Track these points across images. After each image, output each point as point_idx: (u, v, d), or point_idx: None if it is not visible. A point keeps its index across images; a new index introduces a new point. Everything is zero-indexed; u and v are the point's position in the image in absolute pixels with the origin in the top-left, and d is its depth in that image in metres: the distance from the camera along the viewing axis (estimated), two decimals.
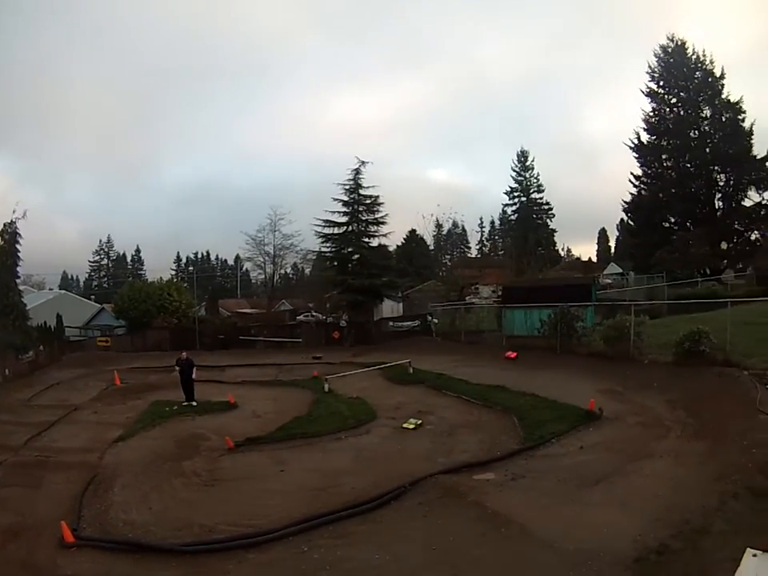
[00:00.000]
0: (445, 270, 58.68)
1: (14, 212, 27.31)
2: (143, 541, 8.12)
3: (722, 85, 46.41)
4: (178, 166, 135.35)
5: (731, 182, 46.59)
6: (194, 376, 18.09)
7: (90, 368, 27.14)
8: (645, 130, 50.36)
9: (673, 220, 49.10)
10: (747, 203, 46.42)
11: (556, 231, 73.92)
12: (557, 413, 13.93)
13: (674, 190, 47.36)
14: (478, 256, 79.13)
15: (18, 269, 28.51)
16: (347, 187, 36.20)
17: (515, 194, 73.38)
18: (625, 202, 51.64)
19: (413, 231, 66.37)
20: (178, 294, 38.76)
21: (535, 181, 72.96)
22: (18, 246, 27.65)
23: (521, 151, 73.18)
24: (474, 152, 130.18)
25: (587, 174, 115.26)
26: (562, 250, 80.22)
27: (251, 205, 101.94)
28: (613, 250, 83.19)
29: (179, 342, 31.11)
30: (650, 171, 50.54)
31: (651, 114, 49.97)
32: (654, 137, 49.95)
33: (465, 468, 10.68)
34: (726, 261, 45.10)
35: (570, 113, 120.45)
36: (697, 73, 47.41)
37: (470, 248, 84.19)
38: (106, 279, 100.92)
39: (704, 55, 47.22)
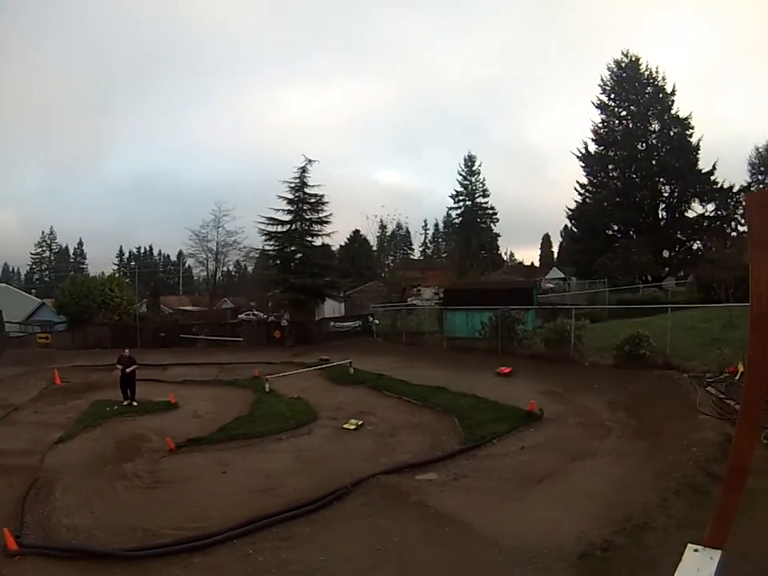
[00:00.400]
0: (387, 271, 58.69)
1: None
2: (88, 547, 7.92)
3: (672, 101, 48.84)
4: (124, 158, 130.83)
5: (675, 194, 49.16)
6: (127, 370, 17.63)
7: (31, 366, 25.93)
8: (593, 140, 52.42)
9: (616, 228, 51.26)
10: (690, 214, 49.12)
11: (500, 235, 76.26)
12: (497, 413, 14.16)
13: (618, 199, 49.51)
14: (421, 258, 80.00)
15: None
16: (293, 185, 36.09)
17: (460, 197, 75.12)
18: (569, 209, 53.58)
19: (357, 231, 66.75)
20: (120, 290, 37.96)
21: (481, 185, 75.08)
22: None
23: (468, 156, 75.27)
24: (422, 155, 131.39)
25: (533, 181, 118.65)
26: (505, 254, 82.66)
27: (197, 200, 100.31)
28: (556, 256, 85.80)
29: (120, 339, 30.54)
30: (595, 180, 52.58)
31: (600, 125, 52.02)
32: (602, 147, 52.02)
33: (407, 468, 10.72)
34: (667, 268, 47.60)
35: (519, 121, 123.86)
36: (648, 88, 49.67)
37: (413, 250, 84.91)
38: (47, 272, 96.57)
39: (656, 72, 49.57)
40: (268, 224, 36.03)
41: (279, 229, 36.21)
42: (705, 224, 47.53)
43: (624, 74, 50.08)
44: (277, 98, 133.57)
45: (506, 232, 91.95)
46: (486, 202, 74.93)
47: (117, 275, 45.91)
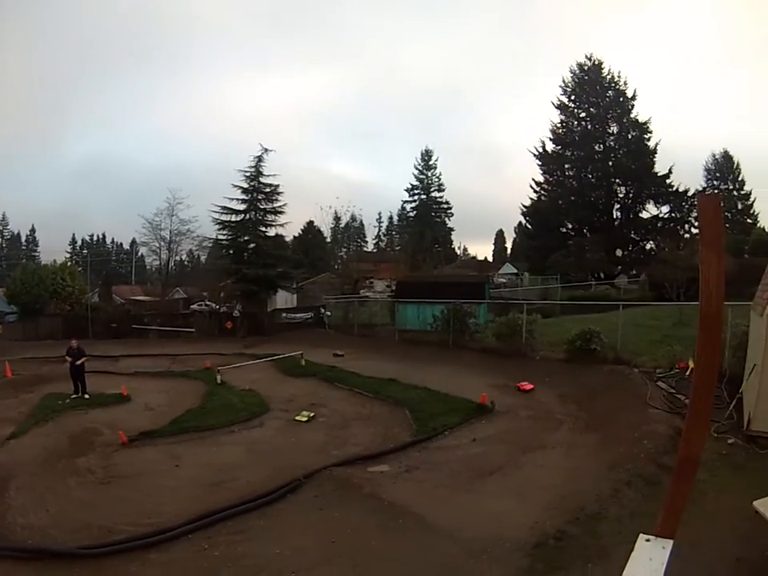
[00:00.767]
0: (340, 262, 58.51)
1: None
2: (44, 546, 7.72)
3: (633, 105, 50.98)
4: (79, 142, 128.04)
5: (631, 195, 51.36)
6: (77, 363, 17.19)
7: None
8: (551, 139, 54.06)
9: (570, 226, 52.91)
10: (645, 215, 51.50)
11: (453, 230, 77.54)
12: (449, 406, 14.29)
13: (573, 198, 51.20)
14: (375, 250, 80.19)
15: None
16: (248, 174, 36.06)
17: (416, 191, 76.22)
18: (524, 206, 55.17)
19: (311, 222, 67.03)
20: (72, 279, 37.19)
21: (437, 180, 76.42)
22: None
23: (425, 150, 76.33)
24: (380, 149, 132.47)
25: (489, 178, 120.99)
26: (459, 248, 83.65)
27: (152, 187, 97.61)
28: (509, 251, 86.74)
29: (72, 330, 29.85)
30: (551, 179, 54.22)
31: (559, 125, 53.70)
32: (560, 147, 53.64)
33: (359, 460, 10.75)
34: (620, 267, 49.67)
35: (477, 119, 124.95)
36: (609, 92, 51.58)
37: (366, 242, 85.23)
38: None
39: (618, 76, 51.56)
40: (222, 213, 36.08)
41: (233, 218, 36.23)
42: (659, 225, 49.85)
43: (586, 77, 51.79)
44: (234, 86, 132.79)
45: (461, 227, 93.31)
46: (441, 197, 76.42)
47: (69, 263, 44.54)
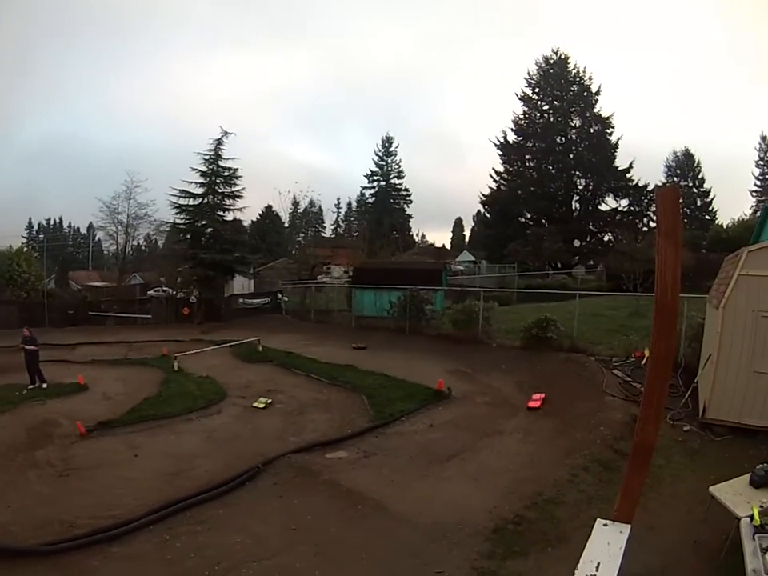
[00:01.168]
0: (298, 248, 58.09)
1: None
2: (5, 545, 7.39)
3: (596, 100, 52.07)
4: (35, 121, 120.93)
5: (590, 187, 52.66)
6: (29, 349, 16.88)
7: None
8: (513, 130, 54.71)
9: (529, 216, 53.70)
10: (604, 208, 52.87)
11: (412, 217, 77.84)
12: (406, 392, 14.36)
13: (533, 189, 51.97)
14: (333, 236, 79.71)
15: None
16: (207, 157, 35.41)
17: (375, 177, 76.02)
18: (483, 195, 55.68)
19: (269, 207, 66.65)
20: (28, 265, 36.27)
21: (396, 167, 76.32)
22: None
23: (386, 137, 76.13)
24: (340, 135, 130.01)
25: (449, 166, 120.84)
26: (417, 235, 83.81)
27: (110, 170, 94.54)
28: (467, 239, 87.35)
29: (28, 317, 28.80)
30: (511, 169, 54.89)
31: (522, 116, 54.31)
32: (521, 138, 54.31)
33: (317, 447, 10.78)
34: (577, 257, 50.91)
35: (440, 107, 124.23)
36: (573, 86, 52.40)
37: (325, 228, 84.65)
38: None
39: (584, 71, 52.46)
40: (180, 197, 35.44)
41: (191, 202, 35.56)
42: (617, 218, 51.37)
43: (551, 71, 52.63)
44: (193, 67, 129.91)
45: (420, 214, 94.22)
46: (400, 184, 76.35)
47: (25, 249, 43.49)
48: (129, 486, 9.25)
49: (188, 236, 35.96)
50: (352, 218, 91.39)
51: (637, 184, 50.21)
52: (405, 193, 75.97)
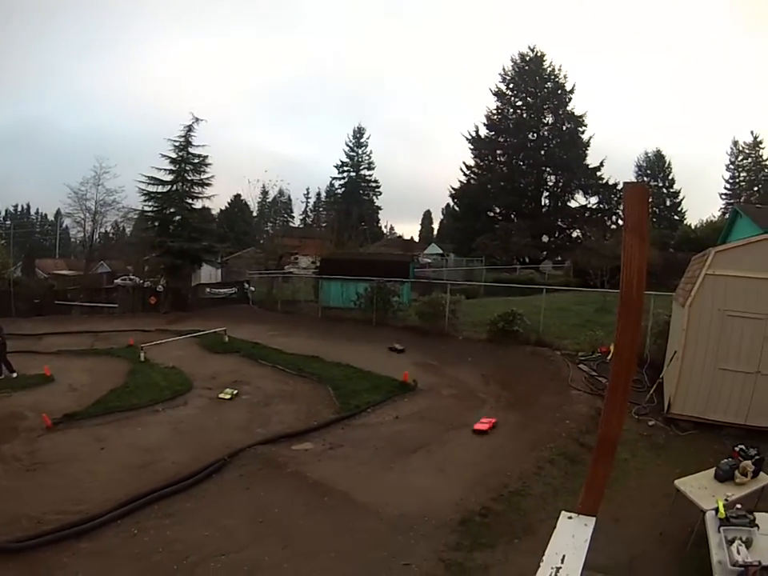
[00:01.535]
0: (266, 237, 57.58)
1: None
2: None
3: (570, 98, 52.57)
4: (1, 106, 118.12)
5: (560, 184, 53.35)
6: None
7: None
8: (485, 125, 54.83)
9: (498, 210, 54.23)
10: (573, 204, 53.67)
11: (381, 208, 77.58)
12: (372, 383, 14.41)
13: (503, 184, 52.44)
14: (301, 226, 79.23)
15: None
16: (177, 144, 34.81)
17: (345, 168, 75.45)
18: (453, 189, 55.88)
19: (237, 196, 65.64)
20: None
21: (367, 158, 75.79)
22: None
23: (357, 128, 75.50)
24: (311, 125, 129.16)
25: (420, 159, 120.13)
26: (386, 227, 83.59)
27: (79, 155, 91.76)
28: (436, 232, 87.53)
29: None
30: (482, 163, 55.18)
31: (494, 111, 54.55)
32: (493, 133, 54.52)
33: (283, 438, 10.77)
34: (545, 252, 51.45)
35: (411, 99, 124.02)
36: (548, 83, 52.91)
37: (293, 217, 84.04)
38: None
39: (559, 69, 52.97)
40: (149, 183, 34.59)
41: (160, 189, 34.82)
42: (586, 215, 52.29)
43: (526, 67, 52.97)
44: (163, 53, 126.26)
45: (389, 206, 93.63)
46: (370, 175, 75.97)
47: None
48: (96, 480, 9.13)
49: (156, 224, 35.27)
50: (321, 209, 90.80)
51: (607, 182, 51.13)
52: (374, 184, 75.70)
